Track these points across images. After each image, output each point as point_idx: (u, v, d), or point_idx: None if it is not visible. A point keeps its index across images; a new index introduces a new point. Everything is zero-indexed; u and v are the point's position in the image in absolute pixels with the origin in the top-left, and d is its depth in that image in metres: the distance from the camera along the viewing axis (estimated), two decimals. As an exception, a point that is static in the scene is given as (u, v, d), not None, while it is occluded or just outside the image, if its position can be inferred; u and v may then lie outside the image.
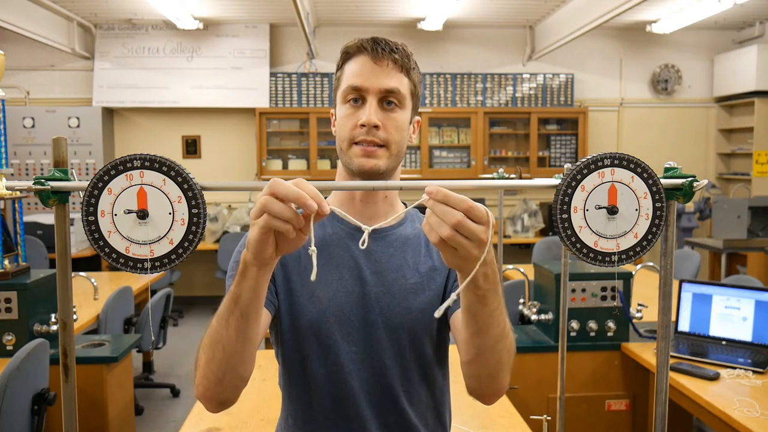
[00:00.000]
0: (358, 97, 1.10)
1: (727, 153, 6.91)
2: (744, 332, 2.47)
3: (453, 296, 0.83)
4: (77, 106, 6.23)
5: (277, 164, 6.35)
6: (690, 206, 5.97)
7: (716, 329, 2.54)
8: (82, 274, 2.98)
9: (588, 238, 0.92)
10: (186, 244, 0.88)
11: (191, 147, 6.58)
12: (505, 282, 3.45)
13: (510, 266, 3.11)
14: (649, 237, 0.93)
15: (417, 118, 1.20)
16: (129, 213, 0.87)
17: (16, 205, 2.68)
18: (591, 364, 2.68)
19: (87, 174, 6.10)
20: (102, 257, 0.88)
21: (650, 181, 0.92)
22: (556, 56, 6.57)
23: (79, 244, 5.45)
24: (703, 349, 2.48)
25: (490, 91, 6.53)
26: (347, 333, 1.12)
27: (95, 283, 2.92)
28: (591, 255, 0.92)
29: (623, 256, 0.93)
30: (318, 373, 1.13)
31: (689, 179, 0.92)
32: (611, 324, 2.65)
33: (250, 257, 0.84)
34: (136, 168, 0.87)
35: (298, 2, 4.44)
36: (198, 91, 6.29)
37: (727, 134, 6.93)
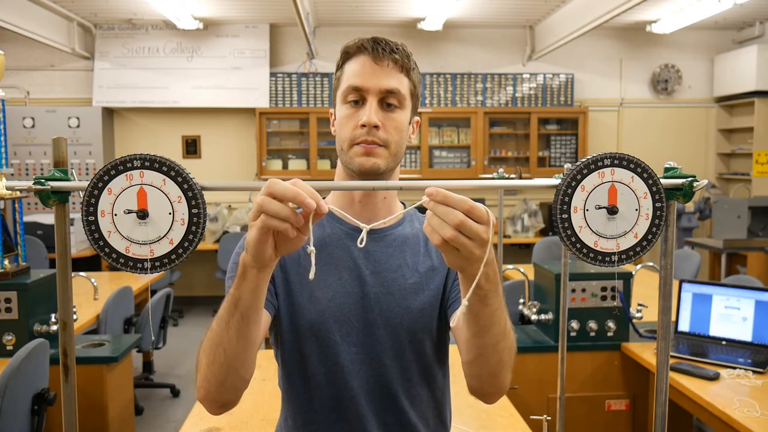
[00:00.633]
0: (358, 98, 1.10)
1: (727, 153, 6.91)
2: (744, 332, 2.47)
3: (465, 302, 0.83)
4: (77, 106, 6.23)
5: (277, 164, 6.35)
6: (690, 206, 5.97)
7: (716, 329, 2.54)
8: (82, 274, 2.98)
9: (588, 238, 0.92)
10: (186, 244, 0.88)
11: (191, 147, 6.58)
12: (505, 282, 3.45)
13: (510, 266, 3.11)
14: (649, 237, 0.93)
15: (416, 118, 1.20)
16: (129, 213, 0.87)
17: (16, 205, 2.68)
18: (591, 364, 2.68)
19: (87, 174, 6.10)
20: (102, 257, 0.89)
21: (650, 181, 0.92)
22: (556, 56, 6.57)
23: (79, 244, 5.45)
24: (703, 349, 2.48)
25: (490, 91, 6.53)
26: (347, 333, 1.12)
27: (95, 283, 2.92)
28: (591, 255, 0.92)
29: (623, 256, 0.93)
30: (318, 374, 1.12)
31: (689, 179, 0.92)
32: (611, 324, 2.65)
33: (250, 259, 0.84)
34: (136, 168, 0.87)
35: (298, 2, 4.44)
36: (198, 91, 6.29)
37: (727, 134, 6.93)
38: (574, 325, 2.63)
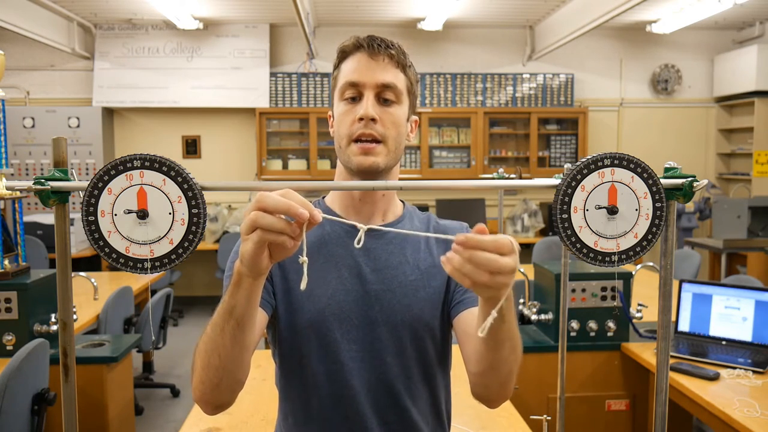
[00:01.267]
0: (355, 94, 1.11)
1: (727, 153, 6.91)
2: (744, 332, 2.47)
3: (494, 314, 0.82)
4: (77, 106, 6.23)
5: (277, 164, 6.35)
6: (690, 206, 5.97)
7: (716, 329, 2.54)
8: (82, 274, 2.98)
9: (588, 238, 0.92)
10: (186, 244, 0.88)
11: (191, 147, 6.58)
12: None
13: (510, 266, 3.10)
14: (649, 237, 0.93)
15: (414, 117, 1.20)
16: (129, 213, 0.87)
17: (16, 205, 2.68)
18: (591, 364, 2.68)
19: (87, 174, 6.10)
20: (102, 257, 0.89)
21: (650, 181, 0.92)
22: (556, 56, 6.57)
23: (79, 244, 5.45)
24: (703, 349, 2.48)
25: (490, 91, 6.53)
26: (347, 331, 1.12)
27: (95, 283, 2.92)
28: (591, 255, 0.93)
29: (623, 256, 0.93)
30: (317, 372, 1.12)
31: (689, 179, 0.92)
32: (611, 324, 2.65)
33: (245, 270, 0.84)
34: (136, 168, 0.87)
35: (298, 2, 4.44)
36: (198, 91, 6.29)
37: (727, 134, 6.93)
38: (574, 325, 2.63)
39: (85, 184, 0.87)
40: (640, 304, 2.62)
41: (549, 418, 1.57)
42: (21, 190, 2.19)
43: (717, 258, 5.52)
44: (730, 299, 2.52)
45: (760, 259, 5.12)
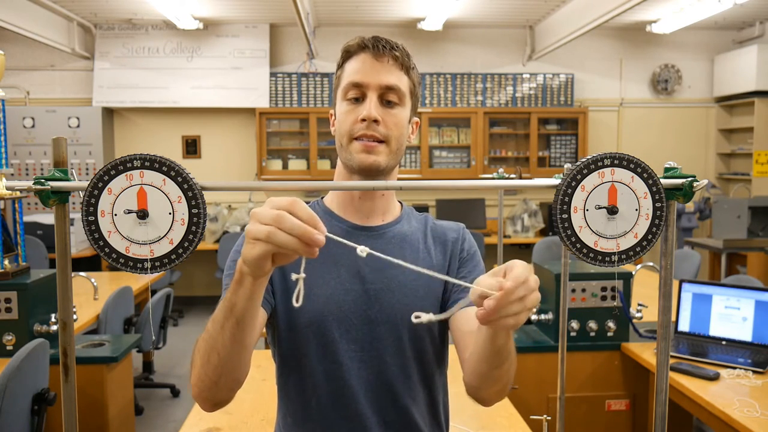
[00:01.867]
0: (358, 94, 1.11)
1: (727, 153, 6.91)
2: (744, 332, 2.47)
3: (457, 308, 0.86)
4: (77, 106, 6.23)
5: (277, 164, 6.35)
6: (690, 206, 5.97)
7: (716, 329, 2.54)
8: (82, 274, 2.98)
9: (588, 238, 0.92)
10: (186, 244, 0.88)
11: (191, 147, 6.58)
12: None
13: (510, 266, 3.10)
14: (649, 237, 0.93)
15: (416, 119, 1.21)
16: (129, 213, 0.87)
17: (16, 205, 2.68)
18: (591, 364, 2.68)
19: (87, 174, 6.10)
20: (102, 257, 0.89)
21: (650, 181, 0.92)
22: (556, 56, 6.57)
23: (79, 244, 5.45)
24: (703, 349, 2.48)
25: (490, 91, 6.53)
26: (346, 331, 1.12)
27: (95, 283, 2.92)
28: (591, 255, 0.93)
29: (623, 256, 0.93)
30: (317, 372, 1.13)
31: (689, 179, 0.92)
32: (611, 324, 2.65)
33: (247, 270, 0.83)
34: (136, 168, 0.87)
35: (298, 2, 4.44)
36: (198, 91, 6.29)
37: (727, 134, 6.93)
38: (574, 325, 2.63)
39: (85, 184, 0.87)
40: (640, 304, 2.62)
41: (549, 418, 1.57)
42: (21, 190, 2.19)
43: (717, 258, 5.52)
44: (730, 299, 2.52)
45: (760, 259, 5.12)
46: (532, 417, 1.74)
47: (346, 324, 1.12)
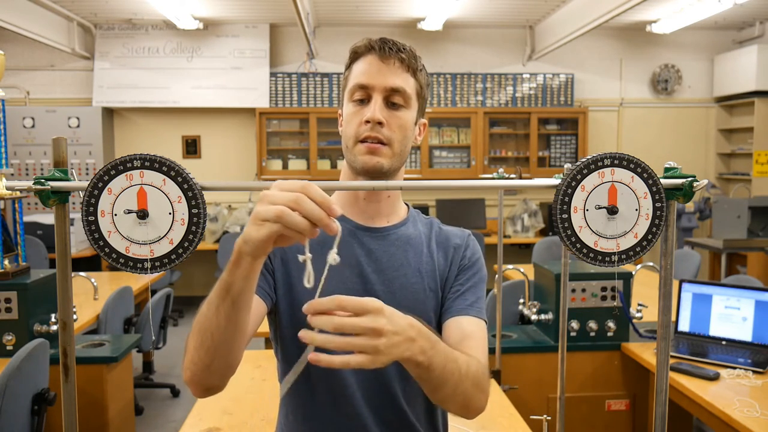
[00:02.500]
0: (364, 96, 1.12)
1: (727, 153, 6.91)
2: (744, 332, 2.47)
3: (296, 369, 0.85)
4: (77, 106, 6.23)
5: (277, 164, 6.35)
6: (690, 206, 5.97)
7: (716, 329, 2.54)
8: (82, 274, 2.98)
9: (588, 238, 0.92)
10: (186, 244, 0.88)
11: (191, 147, 6.58)
12: (505, 282, 3.45)
13: (510, 266, 3.11)
14: (649, 237, 0.93)
15: (423, 120, 1.20)
16: (129, 213, 0.87)
17: (16, 205, 2.68)
18: (591, 364, 2.68)
19: (87, 174, 6.10)
20: (102, 257, 0.89)
21: (650, 181, 0.92)
22: (556, 56, 6.57)
23: (79, 244, 5.45)
24: (703, 349, 2.48)
25: (490, 91, 6.53)
26: (346, 331, 1.12)
27: (95, 283, 2.92)
28: (591, 255, 0.93)
29: (623, 256, 0.93)
30: (317, 371, 1.13)
31: (689, 179, 0.93)
32: (611, 324, 2.65)
33: (248, 249, 0.83)
34: (136, 168, 0.87)
35: (298, 2, 4.44)
36: (198, 91, 6.29)
37: (727, 134, 6.93)
38: (574, 325, 2.63)
39: (85, 184, 0.87)
40: (640, 304, 2.62)
41: (549, 418, 1.57)
42: (21, 190, 2.19)
43: (717, 258, 5.52)
44: (730, 299, 2.52)
45: (760, 259, 5.12)
46: (532, 417, 1.74)
47: (347, 324, 1.12)
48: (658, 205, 0.93)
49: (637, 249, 0.93)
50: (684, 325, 2.62)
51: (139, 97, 6.26)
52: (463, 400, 1.01)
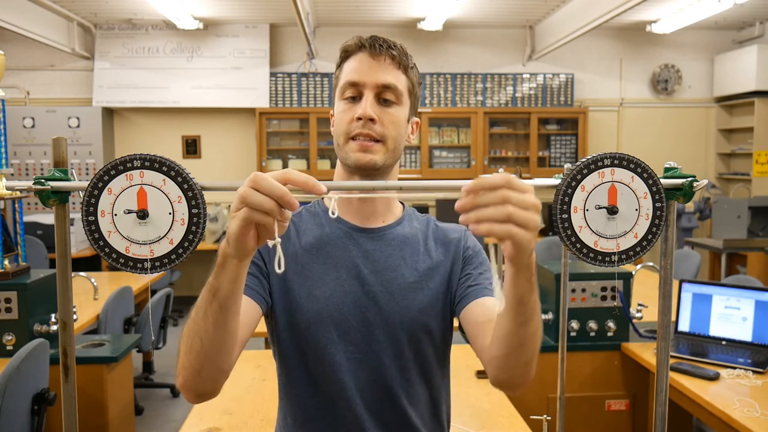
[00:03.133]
0: (355, 93, 1.11)
1: (727, 153, 6.91)
2: (744, 332, 2.47)
3: (500, 296, 0.81)
4: (77, 106, 6.23)
5: (277, 164, 6.35)
6: (690, 206, 5.97)
7: (716, 329, 2.54)
8: (82, 274, 2.98)
9: (588, 238, 0.92)
10: (186, 244, 0.88)
11: (191, 147, 6.58)
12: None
13: (510, 266, 3.11)
14: (649, 237, 0.93)
15: (415, 119, 1.20)
16: (129, 213, 0.87)
17: (16, 205, 2.68)
18: (591, 364, 2.68)
19: (87, 174, 6.10)
20: (102, 257, 0.89)
21: (650, 181, 0.92)
22: (556, 56, 6.57)
23: (79, 244, 5.45)
24: (703, 349, 2.48)
25: (490, 91, 6.53)
26: (344, 332, 1.12)
27: (95, 283, 2.92)
28: (591, 255, 0.92)
29: (623, 256, 0.93)
30: (315, 372, 1.12)
31: (689, 179, 0.93)
32: (611, 324, 2.65)
33: (231, 250, 0.82)
34: (136, 168, 0.87)
35: (298, 2, 4.44)
36: (198, 91, 6.29)
37: (727, 134, 6.93)
38: (574, 325, 2.63)
39: (85, 184, 0.87)
40: (640, 304, 2.62)
41: (549, 418, 1.57)
42: (21, 190, 2.19)
43: (717, 258, 5.52)
44: (730, 299, 2.52)
45: (760, 259, 5.12)
46: (532, 417, 1.74)
47: (345, 325, 1.12)
48: (658, 205, 0.93)
49: (637, 249, 0.93)
50: (684, 325, 2.62)
51: (139, 97, 6.26)
52: (533, 351, 0.94)
